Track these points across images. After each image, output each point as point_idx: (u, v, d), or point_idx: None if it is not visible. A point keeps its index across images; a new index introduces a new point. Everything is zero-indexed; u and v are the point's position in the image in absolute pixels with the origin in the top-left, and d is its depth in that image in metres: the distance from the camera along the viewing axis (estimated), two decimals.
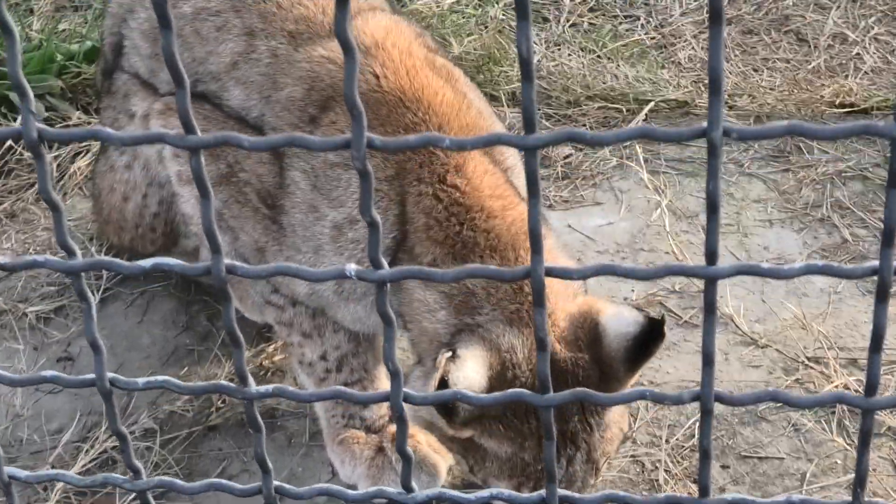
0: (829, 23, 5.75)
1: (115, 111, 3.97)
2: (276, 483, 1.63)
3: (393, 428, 3.70)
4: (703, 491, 1.54)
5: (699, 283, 4.28)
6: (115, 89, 4.00)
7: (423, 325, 3.20)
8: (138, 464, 1.67)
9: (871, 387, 1.49)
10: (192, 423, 3.93)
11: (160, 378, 1.60)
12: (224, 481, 1.66)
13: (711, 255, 1.48)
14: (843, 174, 4.74)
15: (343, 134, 3.25)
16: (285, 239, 3.44)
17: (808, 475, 3.56)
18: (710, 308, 1.48)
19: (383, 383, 3.73)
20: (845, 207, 4.56)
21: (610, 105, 5.26)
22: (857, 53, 5.53)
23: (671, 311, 4.19)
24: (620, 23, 5.94)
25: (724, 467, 3.65)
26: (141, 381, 1.58)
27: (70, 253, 1.48)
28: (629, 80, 5.39)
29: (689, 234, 4.53)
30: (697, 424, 3.72)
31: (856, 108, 5.12)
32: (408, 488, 1.62)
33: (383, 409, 3.71)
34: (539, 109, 5.30)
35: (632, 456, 3.70)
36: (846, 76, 5.34)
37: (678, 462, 3.65)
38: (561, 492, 1.59)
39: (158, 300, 4.48)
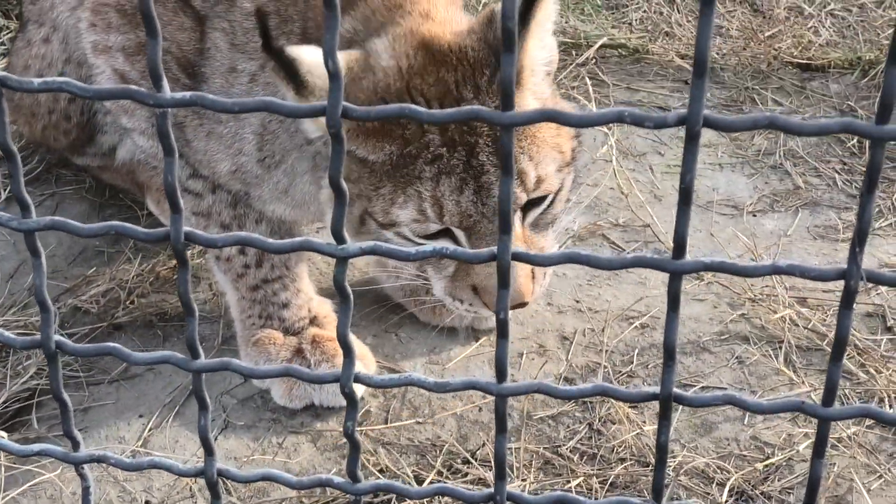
0: None
1: None
2: (219, 466, 1.58)
3: (313, 330, 3.44)
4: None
5: (643, 218, 4.08)
6: None
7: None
8: (77, 434, 1.65)
9: (830, 394, 1.41)
10: (97, 320, 3.66)
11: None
12: (166, 460, 1.62)
13: (679, 248, 1.34)
14: None
15: None
16: (206, 111, 3.19)
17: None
18: (674, 302, 1.39)
19: (304, 283, 3.48)
20: (798, 156, 4.38)
21: (559, 44, 5.06)
22: (813, 26, 5.38)
23: (614, 244, 3.98)
24: None
25: None
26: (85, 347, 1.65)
27: (24, 208, 1.43)
28: (578, 29, 5.20)
29: (636, 173, 4.33)
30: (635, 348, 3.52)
31: (812, 65, 4.95)
32: (354, 476, 1.55)
33: (304, 309, 3.46)
34: None
35: (565, 378, 3.48)
36: (801, 48, 5.16)
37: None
38: (508, 491, 1.49)
39: (69, 203, 4.22)
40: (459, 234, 2.79)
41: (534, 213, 2.90)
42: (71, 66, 3.64)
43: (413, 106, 1.27)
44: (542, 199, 2.89)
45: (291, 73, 2.61)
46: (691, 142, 1.23)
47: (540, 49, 2.87)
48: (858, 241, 1.25)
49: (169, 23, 3.18)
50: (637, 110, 1.26)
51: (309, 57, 2.61)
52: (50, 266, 3.87)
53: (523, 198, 2.82)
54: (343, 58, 2.72)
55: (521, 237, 2.86)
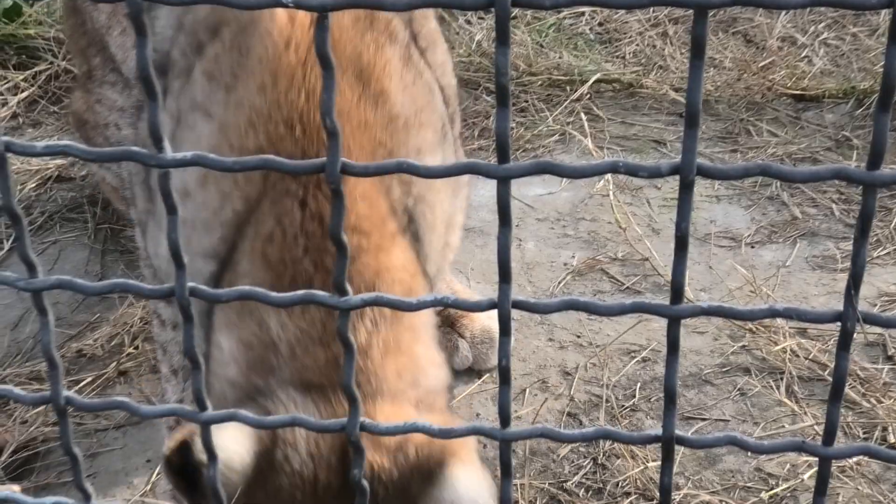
0: (777, 26, 5.64)
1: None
2: None
3: None
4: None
5: (641, 252, 4.11)
6: None
7: (214, 375, 2.54)
8: (88, 487, 1.55)
9: (830, 434, 1.39)
10: (102, 367, 3.68)
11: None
12: None
13: (677, 294, 1.36)
14: (794, 156, 4.60)
15: (221, 70, 2.81)
16: (153, 217, 3.11)
17: (753, 438, 3.35)
18: (673, 347, 1.39)
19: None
20: (795, 187, 4.41)
21: (554, 80, 5.10)
22: (806, 56, 5.41)
23: (614, 278, 4.00)
24: (564, 17, 5.80)
25: None
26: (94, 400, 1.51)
27: (31, 268, 1.38)
28: (572, 65, 5.24)
29: (633, 206, 4.35)
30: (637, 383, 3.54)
31: (807, 95, 4.99)
32: None
33: None
34: (479, 85, 5.13)
35: (568, 414, 3.49)
36: (795, 78, 5.19)
37: (619, 421, 3.45)
38: None
39: (71, 250, 4.24)
40: None
41: None
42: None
43: (410, 161, 1.29)
44: None
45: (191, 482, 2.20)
46: (685, 191, 1.25)
47: None
48: (853, 285, 1.27)
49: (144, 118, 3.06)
50: (631, 160, 1.28)
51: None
52: (54, 313, 3.88)
53: None
54: (251, 442, 2.26)
55: None
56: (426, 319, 2.59)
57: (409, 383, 2.45)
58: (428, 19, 3.12)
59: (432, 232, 2.77)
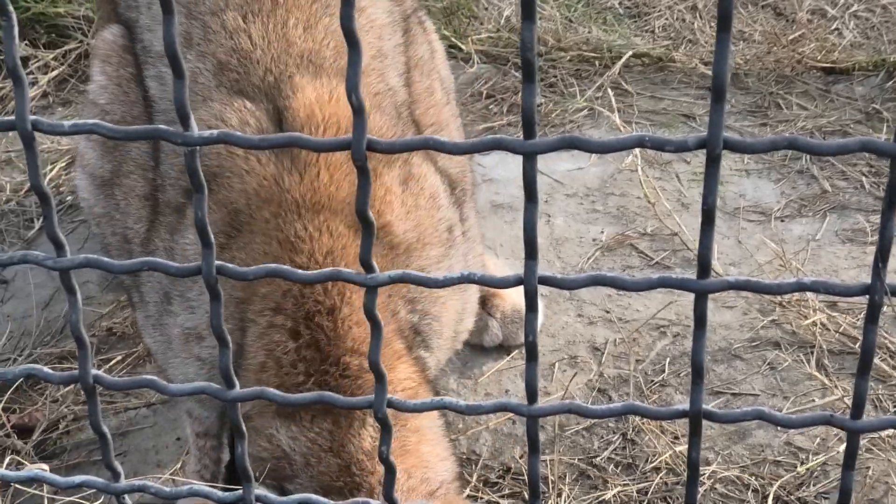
0: None
1: None
2: (257, 492, 1.53)
3: None
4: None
5: (671, 227, 4.09)
6: None
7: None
8: (118, 465, 1.57)
9: (858, 408, 1.39)
10: (132, 345, 3.70)
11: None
12: (205, 488, 1.54)
13: (704, 268, 1.35)
14: (824, 129, 4.57)
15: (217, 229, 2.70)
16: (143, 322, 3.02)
17: (783, 412, 3.35)
18: (700, 321, 1.38)
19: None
20: (825, 160, 4.38)
21: (583, 55, 5.08)
22: (836, 29, 5.37)
23: (643, 253, 3.99)
24: None
25: None
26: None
27: (59, 247, 1.39)
28: (601, 39, 5.21)
29: (662, 181, 4.33)
30: (667, 354, 3.53)
31: (836, 68, 4.95)
32: (390, 499, 1.51)
33: None
34: (508, 61, 5.12)
35: (598, 390, 3.49)
36: (825, 51, 5.15)
37: (647, 396, 3.44)
38: None
39: None
40: None
41: None
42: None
43: (436, 137, 1.29)
44: None
45: None
46: (712, 165, 1.24)
47: None
48: (881, 258, 1.26)
49: (127, 208, 2.96)
50: (657, 135, 1.28)
51: None
52: (83, 292, 3.91)
53: None
54: None
55: None
56: (431, 421, 2.69)
57: (420, 480, 2.56)
58: (433, 94, 3.07)
59: (440, 337, 2.86)
